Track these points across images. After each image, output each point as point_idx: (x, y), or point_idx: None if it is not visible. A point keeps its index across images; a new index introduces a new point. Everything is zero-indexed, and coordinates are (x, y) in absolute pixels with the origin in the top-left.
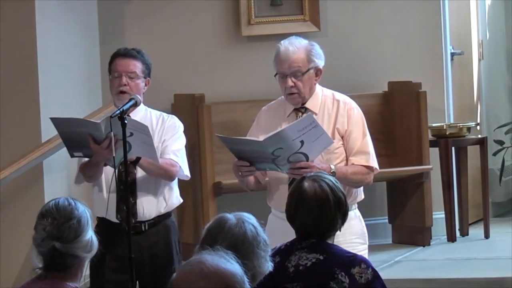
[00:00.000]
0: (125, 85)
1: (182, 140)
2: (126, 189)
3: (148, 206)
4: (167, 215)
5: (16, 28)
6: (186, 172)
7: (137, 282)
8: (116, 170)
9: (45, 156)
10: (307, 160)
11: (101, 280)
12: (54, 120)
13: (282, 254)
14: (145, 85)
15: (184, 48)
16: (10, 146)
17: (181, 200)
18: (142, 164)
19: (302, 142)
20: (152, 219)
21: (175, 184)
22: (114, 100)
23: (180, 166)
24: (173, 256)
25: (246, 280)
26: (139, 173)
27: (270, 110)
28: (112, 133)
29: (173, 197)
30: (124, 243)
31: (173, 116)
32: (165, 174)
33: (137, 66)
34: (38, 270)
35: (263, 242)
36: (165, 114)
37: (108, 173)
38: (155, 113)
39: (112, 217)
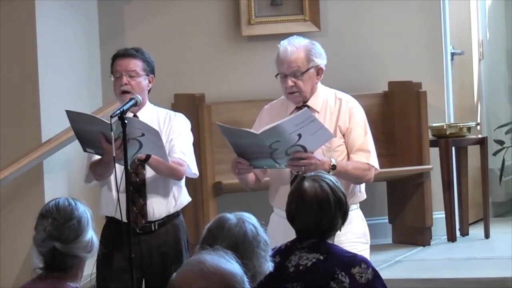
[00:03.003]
0: (126, 84)
1: (190, 138)
2: (129, 189)
3: (158, 207)
4: (176, 214)
5: (16, 28)
6: (194, 170)
7: (145, 281)
8: (125, 171)
9: (45, 156)
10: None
11: (108, 279)
12: (69, 113)
13: (282, 254)
14: (149, 82)
15: (184, 48)
16: (10, 146)
17: (190, 199)
18: (151, 163)
19: (299, 135)
20: (162, 218)
21: (183, 183)
22: (118, 100)
23: (188, 165)
24: (182, 255)
25: (246, 280)
26: (148, 173)
27: (272, 108)
28: (121, 134)
29: (182, 196)
30: (133, 242)
31: (180, 114)
32: (173, 174)
33: (136, 65)
34: (39, 270)
35: (263, 242)
36: (171, 112)
37: (117, 173)
38: (162, 112)
39: (123, 217)
